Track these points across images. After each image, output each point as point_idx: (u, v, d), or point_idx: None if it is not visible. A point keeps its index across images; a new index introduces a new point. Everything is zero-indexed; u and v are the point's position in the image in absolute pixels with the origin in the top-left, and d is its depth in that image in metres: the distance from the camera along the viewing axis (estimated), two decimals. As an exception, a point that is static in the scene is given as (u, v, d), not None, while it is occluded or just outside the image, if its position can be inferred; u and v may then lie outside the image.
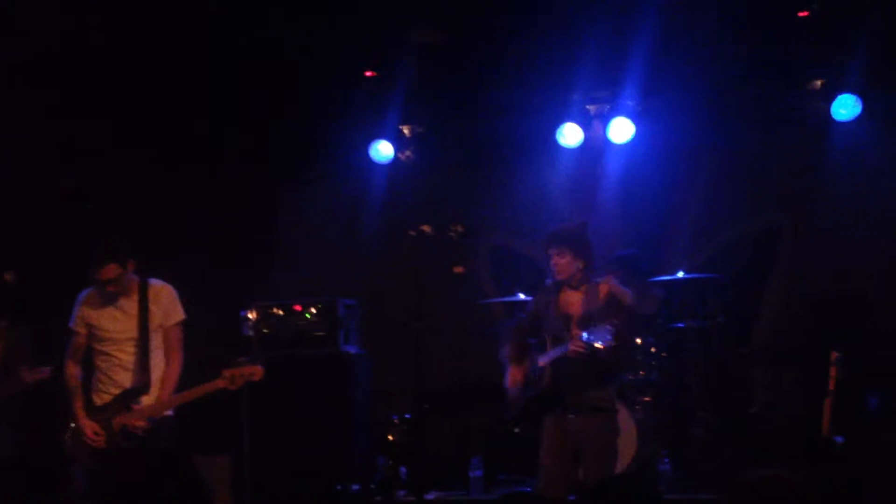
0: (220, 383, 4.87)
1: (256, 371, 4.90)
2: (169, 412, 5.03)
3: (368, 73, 7.20)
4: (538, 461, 4.88)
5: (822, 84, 6.80)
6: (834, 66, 6.63)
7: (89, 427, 4.90)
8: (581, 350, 4.66)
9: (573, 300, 4.89)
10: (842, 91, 6.62)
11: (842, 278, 6.70)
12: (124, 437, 4.89)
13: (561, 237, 4.90)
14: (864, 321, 6.54)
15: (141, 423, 4.87)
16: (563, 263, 4.85)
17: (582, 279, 4.89)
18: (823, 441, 4.95)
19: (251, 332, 6.50)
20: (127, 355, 5.01)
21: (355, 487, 6.17)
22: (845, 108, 6.61)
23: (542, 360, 4.88)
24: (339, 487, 6.04)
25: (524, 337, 5.07)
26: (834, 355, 4.99)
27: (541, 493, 4.66)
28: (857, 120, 6.63)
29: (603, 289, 4.87)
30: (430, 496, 6.10)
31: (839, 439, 4.93)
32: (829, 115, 6.68)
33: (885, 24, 6.15)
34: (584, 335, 4.63)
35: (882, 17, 6.10)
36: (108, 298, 4.99)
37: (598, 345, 4.58)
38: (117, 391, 4.98)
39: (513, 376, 5.03)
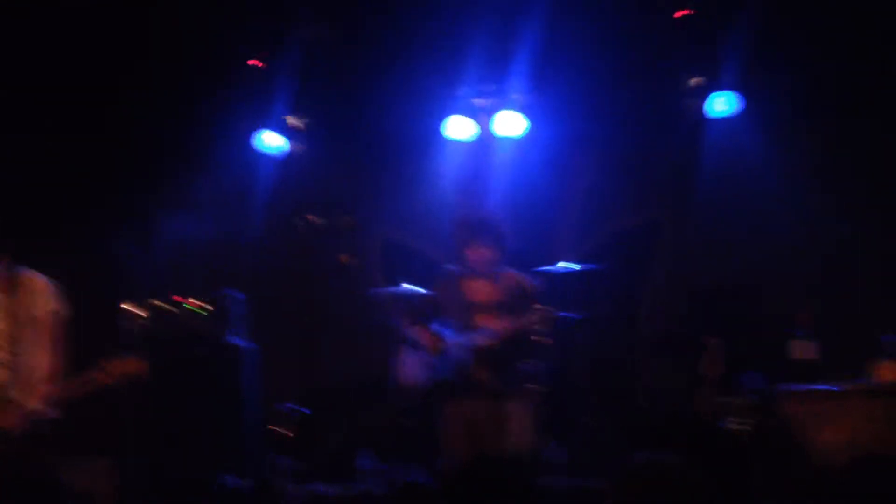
0: (98, 376, 4.68)
1: (134, 364, 4.73)
2: (49, 412, 4.82)
3: (253, 63, 7.07)
4: (441, 445, 4.90)
5: (698, 82, 7.03)
6: (711, 65, 6.85)
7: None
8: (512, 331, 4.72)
9: (482, 288, 4.94)
10: (718, 89, 6.86)
11: (719, 269, 6.95)
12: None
13: (486, 229, 4.95)
14: (738, 310, 6.81)
15: (12, 423, 4.65)
16: (484, 254, 4.90)
17: (492, 269, 4.92)
18: (707, 426, 5.12)
19: (133, 327, 6.29)
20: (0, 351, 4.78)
21: (241, 481, 6.05)
22: (721, 105, 6.85)
23: (457, 346, 4.89)
24: (224, 481, 5.92)
25: (425, 322, 5.09)
26: (710, 342, 5.17)
27: (446, 476, 4.70)
28: (733, 118, 6.89)
29: (511, 278, 4.95)
30: (318, 488, 6.04)
31: (721, 424, 5.13)
32: (706, 113, 6.92)
33: (762, 23, 6.39)
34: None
35: (758, 16, 6.34)
36: None
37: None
38: (-12, 387, 4.75)
39: (422, 361, 5.03)
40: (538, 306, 4.75)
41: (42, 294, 4.84)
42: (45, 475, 4.54)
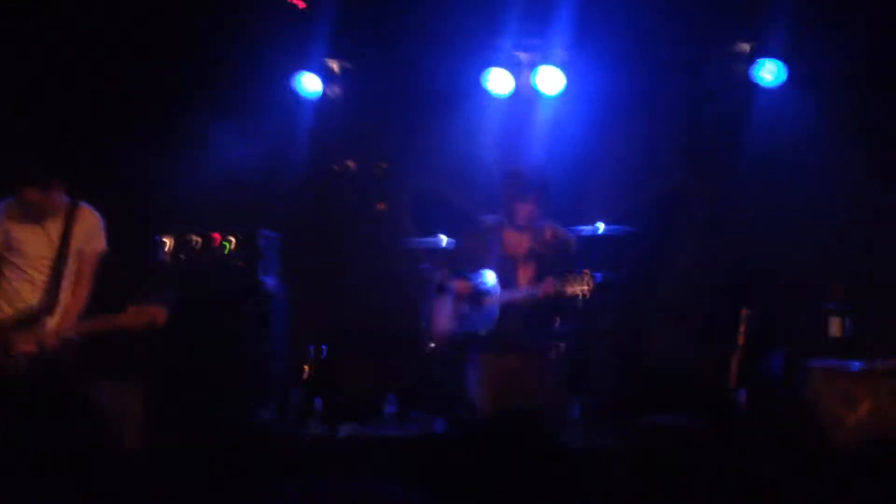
0: (122, 319, 4.79)
1: (159, 313, 4.81)
2: (73, 337, 4.92)
3: (297, 3, 7.03)
4: (469, 396, 4.94)
5: (748, 48, 6.93)
6: (761, 31, 6.74)
7: (-14, 339, 4.76)
8: (552, 293, 4.69)
9: (520, 241, 4.94)
10: (767, 56, 6.75)
11: (753, 241, 6.88)
12: (19, 357, 4.77)
13: (536, 183, 4.97)
14: (772, 284, 6.76)
15: (33, 348, 4.75)
16: (531, 208, 4.90)
17: (535, 223, 4.95)
18: (725, 394, 5.12)
19: (167, 259, 6.37)
20: (39, 274, 4.88)
21: (271, 415, 6.14)
22: (770, 73, 6.74)
23: (494, 299, 4.86)
24: (255, 413, 6.02)
25: (463, 273, 5.07)
26: (744, 312, 5.15)
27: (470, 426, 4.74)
28: (781, 87, 6.78)
29: (548, 232, 4.95)
30: (344, 430, 6.13)
31: (743, 393, 5.13)
32: (753, 80, 6.82)
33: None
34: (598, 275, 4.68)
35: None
36: (32, 214, 4.85)
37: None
38: (21, 306, 4.85)
39: (456, 312, 5.01)
40: (585, 271, 4.72)
41: (94, 232, 4.96)
42: (82, 393, 4.62)
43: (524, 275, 4.92)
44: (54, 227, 4.87)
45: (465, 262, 5.07)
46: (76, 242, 4.90)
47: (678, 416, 2.55)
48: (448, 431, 4.93)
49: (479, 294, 4.96)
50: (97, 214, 5.01)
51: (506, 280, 4.89)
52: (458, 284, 5.05)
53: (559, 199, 6.95)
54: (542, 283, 4.78)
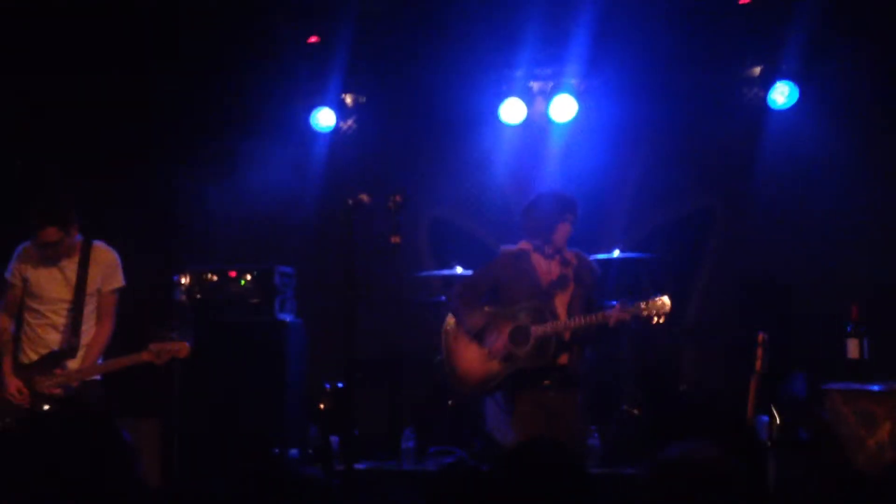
0: (144, 356, 4.83)
1: (183, 348, 4.86)
2: (95, 377, 4.96)
3: (311, 39, 7.12)
4: (512, 429, 4.77)
5: (760, 70, 6.93)
6: (772, 54, 6.74)
7: (14, 384, 4.80)
8: (627, 319, 4.56)
9: (551, 268, 4.81)
10: (779, 78, 6.74)
11: (771, 263, 6.84)
12: (45, 399, 4.81)
13: (575, 206, 4.85)
14: (790, 306, 6.71)
15: (58, 391, 4.79)
16: (568, 230, 4.84)
17: (563, 248, 4.87)
18: (747, 422, 5.05)
19: (184, 298, 6.42)
20: (59, 317, 4.92)
21: (294, 452, 6.13)
22: (782, 95, 6.73)
23: (545, 330, 4.70)
24: (276, 451, 6.01)
25: (478, 304, 4.90)
26: (761, 337, 5.09)
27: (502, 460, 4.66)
28: (794, 108, 6.76)
29: (574, 258, 4.87)
30: (362, 466, 6.11)
31: (764, 419, 5.06)
32: (766, 102, 6.81)
33: (823, 13, 6.26)
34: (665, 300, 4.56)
35: (819, 5, 6.21)
36: (48, 256, 4.89)
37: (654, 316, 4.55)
38: (45, 351, 4.89)
39: (494, 347, 4.80)
40: (647, 302, 4.59)
41: (111, 269, 4.99)
42: (107, 432, 4.64)
43: (560, 302, 4.78)
44: (70, 268, 4.91)
45: (494, 292, 4.87)
46: (93, 283, 4.94)
47: (698, 447, 2.52)
48: (471, 463, 4.83)
49: (527, 329, 4.74)
50: (112, 251, 5.05)
51: (542, 309, 4.73)
52: (494, 325, 4.80)
53: (578, 225, 6.99)
54: (614, 312, 4.60)
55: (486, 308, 4.91)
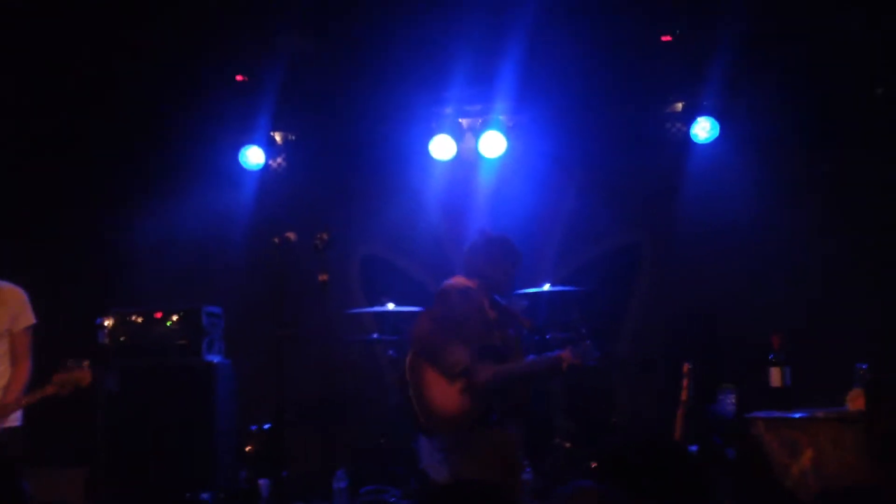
0: (49, 390, 4.69)
1: (85, 375, 4.72)
2: (16, 423, 4.81)
3: (239, 78, 7.09)
4: (427, 466, 4.74)
5: (682, 106, 7.10)
6: (693, 89, 6.92)
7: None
8: (577, 363, 4.63)
9: (492, 310, 4.79)
10: (701, 114, 6.91)
11: (697, 294, 6.96)
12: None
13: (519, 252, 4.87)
14: (716, 336, 6.83)
15: None
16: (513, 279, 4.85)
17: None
18: (677, 450, 5.09)
19: (107, 340, 6.28)
20: (-28, 358, 4.78)
21: (205, 496, 5.99)
22: (703, 130, 6.89)
23: (523, 370, 4.70)
24: (188, 495, 5.87)
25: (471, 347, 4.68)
26: (686, 367, 5.16)
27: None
28: (715, 142, 6.93)
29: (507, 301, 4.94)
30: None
31: (693, 448, 5.11)
32: (689, 137, 6.97)
33: (742, 50, 6.44)
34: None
35: (739, 42, 6.39)
36: None
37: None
38: (-39, 395, 4.74)
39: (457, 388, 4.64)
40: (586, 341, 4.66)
41: (19, 307, 4.85)
42: (8, 483, 4.53)
43: (506, 344, 4.74)
44: None
45: (454, 332, 4.62)
46: (2, 323, 4.81)
47: (586, 482, 2.58)
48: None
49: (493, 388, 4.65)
50: (19, 289, 4.92)
51: (495, 351, 4.67)
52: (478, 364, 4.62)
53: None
54: (562, 354, 4.64)
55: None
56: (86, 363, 4.74)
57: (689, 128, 6.97)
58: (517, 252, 4.88)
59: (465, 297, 4.67)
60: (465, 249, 4.95)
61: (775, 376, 4.87)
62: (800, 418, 4.45)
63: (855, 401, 4.52)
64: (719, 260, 6.91)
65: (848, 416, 4.35)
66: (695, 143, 6.98)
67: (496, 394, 4.60)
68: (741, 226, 6.87)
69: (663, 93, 7.13)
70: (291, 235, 4.84)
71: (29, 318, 4.90)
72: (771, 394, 4.84)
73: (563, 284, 6.67)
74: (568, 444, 6.29)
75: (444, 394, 4.61)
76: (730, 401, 5.58)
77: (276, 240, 4.83)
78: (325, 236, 4.65)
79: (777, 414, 4.54)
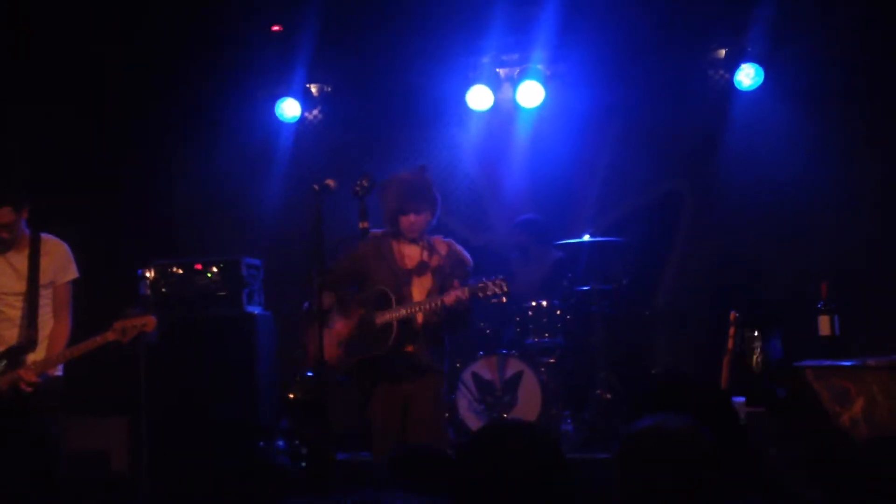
0: (110, 335, 4.65)
1: (149, 322, 4.66)
2: (57, 372, 4.83)
3: (275, 28, 7.02)
4: (373, 427, 4.63)
5: (725, 53, 6.94)
6: (737, 36, 6.75)
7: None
8: (465, 298, 4.36)
9: (412, 253, 4.64)
10: (745, 60, 6.75)
11: (740, 244, 6.86)
12: (11, 395, 4.67)
13: (420, 196, 4.59)
14: (761, 286, 6.72)
15: (32, 379, 4.66)
16: (420, 221, 4.60)
17: (424, 235, 4.69)
18: (722, 397, 5.03)
19: (148, 292, 6.28)
20: (14, 310, 4.79)
21: (281, 443, 5.99)
22: (748, 77, 6.74)
23: (388, 316, 4.51)
24: (261, 444, 5.87)
25: (340, 288, 4.71)
26: (733, 315, 5.09)
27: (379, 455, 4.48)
28: (759, 89, 6.78)
29: (442, 246, 4.69)
30: (341, 457, 6.01)
31: (739, 399, 5.05)
32: (732, 84, 6.82)
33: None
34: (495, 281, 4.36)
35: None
36: None
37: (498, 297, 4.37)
38: (2, 347, 4.76)
39: (338, 332, 4.66)
40: (485, 280, 4.38)
41: (63, 260, 4.86)
42: (41, 431, 4.56)
43: (419, 288, 4.60)
44: (19, 261, 4.77)
45: (349, 281, 4.68)
46: (46, 275, 4.81)
47: (669, 418, 2.47)
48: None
49: (371, 315, 4.57)
50: (63, 243, 4.91)
51: (400, 295, 4.54)
52: (341, 305, 4.65)
53: (547, 211, 6.96)
54: (452, 291, 4.40)
55: (338, 292, 4.73)
56: (150, 308, 4.72)
57: (732, 75, 6.82)
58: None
59: (346, 248, 4.69)
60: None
61: (824, 325, 4.78)
62: (850, 366, 4.37)
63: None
64: (762, 209, 6.79)
65: (900, 364, 4.26)
66: (738, 91, 6.83)
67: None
68: (785, 175, 6.73)
69: (706, 39, 6.98)
70: (331, 182, 4.78)
71: (72, 272, 4.91)
72: (820, 342, 4.76)
73: (603, 235, 6.60)
74: (608, 396, 6.25)
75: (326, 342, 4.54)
76: (777, 345, 5.48)
77: (316, 187, 4.77)
78: (365, 182, 4.58)
79: (826, 362, 4.46)
